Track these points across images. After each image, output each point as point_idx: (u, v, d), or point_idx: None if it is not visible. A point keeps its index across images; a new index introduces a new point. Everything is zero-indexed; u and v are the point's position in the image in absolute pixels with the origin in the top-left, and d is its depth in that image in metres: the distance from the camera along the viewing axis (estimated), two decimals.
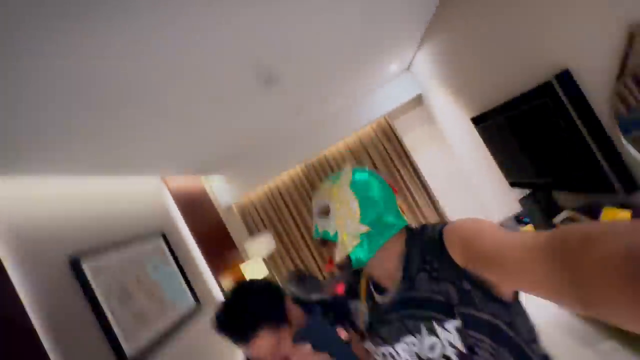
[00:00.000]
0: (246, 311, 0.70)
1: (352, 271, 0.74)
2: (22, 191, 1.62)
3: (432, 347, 0.54)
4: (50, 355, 1.35)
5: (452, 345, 0.52)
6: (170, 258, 2.42)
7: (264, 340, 0.68)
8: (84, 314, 1.60)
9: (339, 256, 0.61)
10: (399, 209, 0.64)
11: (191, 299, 2.39)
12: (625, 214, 1.43)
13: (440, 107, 3.49)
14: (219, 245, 3.28)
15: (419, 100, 4.04)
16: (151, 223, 2.45)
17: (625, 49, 1.20)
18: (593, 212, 1.67)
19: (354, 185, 0.63)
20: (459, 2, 2.12)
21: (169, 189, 2.91)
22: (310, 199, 4.19)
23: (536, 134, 1.84)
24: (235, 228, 3.92)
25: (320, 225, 0.65)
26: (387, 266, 0.63)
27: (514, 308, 0.53)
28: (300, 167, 4.23)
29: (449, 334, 0.52)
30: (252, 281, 0.79)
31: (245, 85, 1.95)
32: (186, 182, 3.28)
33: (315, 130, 3.91)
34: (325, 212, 0.64)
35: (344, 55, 2.34)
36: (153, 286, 2.10)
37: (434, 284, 0.55)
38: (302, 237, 4.17)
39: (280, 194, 4.23)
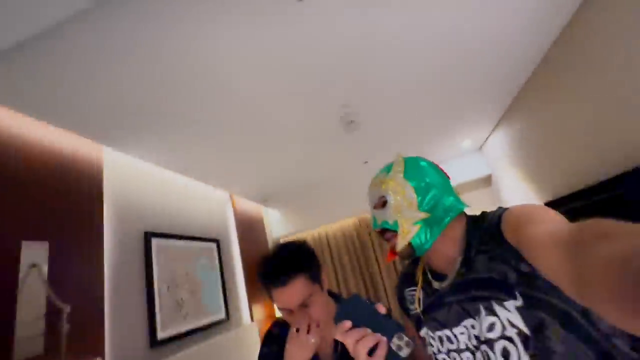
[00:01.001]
0: (287, 256, 0.78)
1: (412, 260, 0.73)
2: (127, 167, 1.98)
3: (491, 328, 0.52)
4: (106, 310, 1.51)
5: (512, 325, 0.50)
6: (217, 266, 2.57)
7: (298, 287, 0.73)
8: (139, 286, 1.78)
9: (400, 245, 0.61)
10: (456, 193, 0.66)
11: (223, 311, 2.45)
12: None
13: (510, 188, 3.37)
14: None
15: (488, 181, 3.95)
16: (210, 229, 2.68)
17: None
18: None
19: (407, 173, 0.64)
20: (541, 87, 2.20)
21: (233, 206, 3.19)
22: (357, 255, 4.13)
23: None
24: None
25: (379, 217, 0.65)
26: (446, 252, 0.63)
27: None
28: (353, 220, 4.28)
29: (509, 312, 0.50)
30: (294, 241, 0.85)
31: (327, 127, 2.21)
32: (248, 205, 3.57)
33: None
34: (382, 203, 0.64)
35: (424, 117, 2.52)
36: (196, 285, 2.24)
37: (492, 264, 0.54)
38: (338, 287, 4.03)
39: (328, 241, 4.26)
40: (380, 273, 3.99)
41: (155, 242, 1.96)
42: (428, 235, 0.60)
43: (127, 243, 1.78)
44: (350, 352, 0.48)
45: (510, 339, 0.50)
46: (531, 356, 0.48)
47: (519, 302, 0.50)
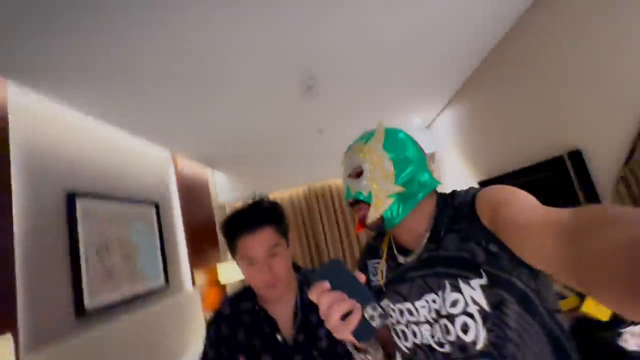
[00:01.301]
0: (258, 207, 0.80)
1: (377, 233, 0.73)
2: (43, 112, 1.67)
3: (454, 304, 0.54)
4: (17, 280, 1.31)
5: (475, 302, 0.52)
6: (156, 230, 2.38)
7: (266, 235, 0.76)
8: (61, 252, 1.56)
9: (372, 217, 0.60)
10: (431, 169, 0.65)
11: (162, 277, 2.32)
12: None
13: (450, 167, 3.63)
14: (203, 238, 3.22)
15: (431, 158, 4.20)
16: (149, 190, 2.45)
17: (634, 139, 1.31)
18: None
19: (387, 144, 0.62)
20: (490, 74, 2.32)
21: (175, 166, 2.94)
22: (305, 225, 4.18)
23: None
24: None
25: (353, 187, 0.63)
26: (415, 227, 0.63)
27: (541, 277, 0.52)
28: (302, 188, 4.28)
29: (473, 290, 0.52)
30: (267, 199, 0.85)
31: (284, 87, 2.08)
32: (192, 167, 3.33)
33: (328, 156, 4.01)
34: (358, 173, 0.62)
35: (381, 90, 2.50)
36: (131, 250, 2.06)
37: (462, 243, 0.55)
38: None
39: None
40: (327, 245, 4.12)
41: (80, 203, 1.72)
42: (400, 210, 0.60)
43: (44, 203, 1.53)
44: (321, 314, 0.46)
45: (471, 315, 0.52)
46: (488, 330, 0.51)
47: (484, 280, 0.52)
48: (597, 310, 1.34)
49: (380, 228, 0.63)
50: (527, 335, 0.50)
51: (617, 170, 1.40)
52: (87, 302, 1.63)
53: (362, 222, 0.63)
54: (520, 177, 2.06)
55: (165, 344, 2.08)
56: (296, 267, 0.90)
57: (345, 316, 0.45)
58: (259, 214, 0.79)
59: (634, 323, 1.23)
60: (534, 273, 0.51)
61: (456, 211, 0.59)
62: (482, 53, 2.25)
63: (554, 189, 1.72)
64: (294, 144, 3.41)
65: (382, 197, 0.60)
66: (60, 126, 1.74)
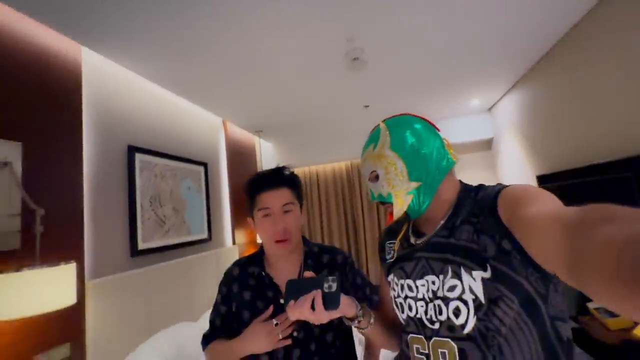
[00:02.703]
0: (279, 172, 0.90)
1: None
2: (111, 75, 1.85)
3: (451, 289, 0.56)
4: (85, 218, 1.53)
5: (472, 291, 0.53)
6: (204, 188, 2.59)
7: (285, 192, 0.86)
8: (121, 198, 1.79)
9: (397, 214, 0.64)
10: (446, 146, 0.65)
11: (206, 231, 2.54)
12: None
13: (508, 156, 3.32)
14: (246, 202, 3.42)
15: (488, 144, 3.87)
16: (200, 151, 2.64)
17: None
18: None
19: (393, 144, 0.64)
20: (561, 59, 2.01)
21: (226, 132, 3.11)
22: (344, 199, 4.21)
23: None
24: None
25: (374, 190, 0.67)
26: (434, 215, 0.65)
27: (554, 282, 0.52)
28: (346, 164, 4.27)
29: (473, 281, 0.53)
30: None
31: (332, 59, 2.03)
32: (241, 134, 3.48)
33: None
34: (375, 177, 0.66)
35: (435, 67, 2.33)
36: (180, 204, 2.27)
37: (475, 235, 0.55)
38: (321, 228, 4.20)
39: (318, 181, 4.30)
40: (364, 220, 4.12)
41: (139, 156, 1.92)
42: (422, 201, 0.63)
43: (109, 153, 1.74)
44: (303, 319, 0.59)
45: (465, 302, 0.54)
46: (478, 319, 0.53)
47: (487, 274, 0.53)
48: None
49: (409, 219, 0.70)
50: (521, 335, 0.51)
51: None
52: (141, 243, 1.86)
53: (392, 215, 0.67)
54: (585, 176, 1.82)
55: (202, 290, 2.32)
56: (304, 240, 0.95)
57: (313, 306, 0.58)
58: (280, 176, 0.87)
59: None
60: (545, 277, 0.51)
61: (477, 204, 0.59)
62: (555, 36, 1.97)
63: (626, 192, 1.49)
64: (340, 117, 3.36)
65: (402, 195, 0.63)
66: (126, 88, 1.92)
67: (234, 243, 2.98)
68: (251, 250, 3.34)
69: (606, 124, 1.72)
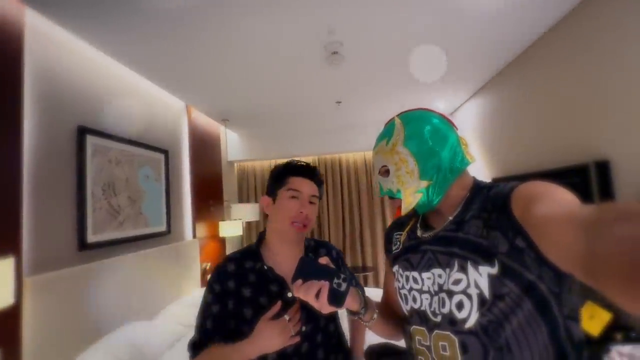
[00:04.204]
0: (316, 169, 0.94)
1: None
2: (63, 42, 1.63)
3: (457, 282, 0.56)
4: (24, 207, 1.34)
5: (477, 286, 0.53)
6: (164, 177, 2.41)
7: (314, 186, 0.90)
8: (68, 185, 1.59)
9: (405, 210, 0.64)
10: (462, 146, 0.65)
11: (164, 224, 2.37)
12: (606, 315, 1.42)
13: None
14: (209, 193, 3.26)
15: None
16: (160, 138, 2.45)
17: None
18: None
19: (407, 140, 0.63)
20: (522, 70, 2.16)
21: (189, 118, 2.92)
22: None
23: None
24: (229, 186, 3.91)
25: (384, 184, 0.67)
26: (444, 209, 0.64)
27: (567, 281, 0.51)
28: (313, 158, 4.24)
29: (479, 276, 0.53)
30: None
31: (309, 51, 1.97)
32: (206, 121, 3.30)
33: (343, 129, 3.92)
34: (385, 172, 0.65)
35: (407, 66, 2.37)
36: (137, 193, 2.09)
37: (486, 231, 0.54)
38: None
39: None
40: (328, 218, 4.14)
41: (90, 139, 1.72)
42: (431, 198, 0.63)
43: (55, 134, 1.53)
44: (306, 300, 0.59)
45: (469, 296, 0.54)
46: (481, 314, 0.52)
47: (495, 270, 0.52)
48: (588, 325, 1.32)
49: (417, 213, 0.70)
50: (531, 333, 0.51)
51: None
52: (90, 236, 1.68)
53: (400, 210, 0.67)
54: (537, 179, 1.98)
55: (159, 287, 2.16)
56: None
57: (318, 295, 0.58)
58: (316, 171, 0.93)
59: (626, 341, 1.22)
60: (559, 276, 0.50)
61: (489, 200, 0.58)
62: (516, 49, 2.13)
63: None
64: (310, 112, 3.32)
65: (411, 193, 0.63)
66: (79, 62, 1.71)
67: (194, 237, 2.82)
68: (213, 245, 3.19)
69: (559, 132, 1.88)
